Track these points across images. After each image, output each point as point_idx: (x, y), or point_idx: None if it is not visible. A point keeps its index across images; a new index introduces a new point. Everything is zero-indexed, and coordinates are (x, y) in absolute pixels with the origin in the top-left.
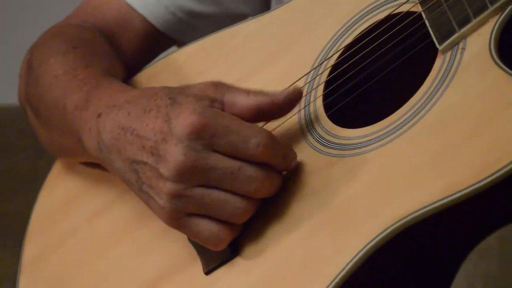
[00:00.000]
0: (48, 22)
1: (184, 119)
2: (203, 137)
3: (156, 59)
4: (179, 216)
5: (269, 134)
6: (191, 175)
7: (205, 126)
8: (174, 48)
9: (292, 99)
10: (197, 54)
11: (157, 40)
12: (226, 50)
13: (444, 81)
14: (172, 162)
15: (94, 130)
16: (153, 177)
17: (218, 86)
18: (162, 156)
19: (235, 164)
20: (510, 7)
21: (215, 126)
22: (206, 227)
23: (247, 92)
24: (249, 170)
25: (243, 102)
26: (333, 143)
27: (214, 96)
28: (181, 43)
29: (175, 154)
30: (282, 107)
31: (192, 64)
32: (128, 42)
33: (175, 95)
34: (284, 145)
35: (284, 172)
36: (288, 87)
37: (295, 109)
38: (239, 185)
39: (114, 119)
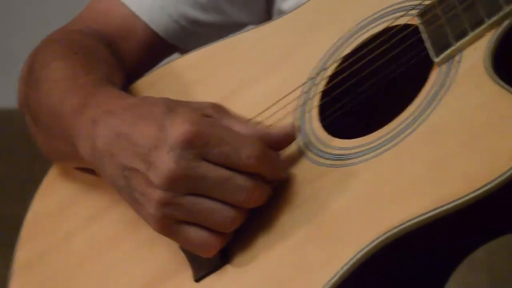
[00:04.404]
0: (48, 26)
1: (178, 128)
2: (195, 146)
3: (157, 66)
4: (169, 223)
5: (261, 146)
6: (181, 183)
7: (197, 135)
8: (176, 55)
9: (288, 139)
10: (197, 63)
11: (159, 48)
12: (225, 59)
13: (439, 93)
14: (163, 170)
15: (89, 135)
16: (143, 184)
17: (219, 108)
18: (153, 163)
19: (226, 173)
20: (506, 22)
21: (208, 135)
22: (196, 234)
23: (246, 122)
24: (239, 180)
25: (240, 129)
26: (327, 153)
27: (211, 115)
28: (183, 51)
29: (166, 162)
30: (277, 145)
31: (192, 72)
32: (130, 48)
33: (172, 105)
34: (275, 156)
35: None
36: (283, 97)
37: (291, 119)
38: (228, 195)
39: (109, 125)
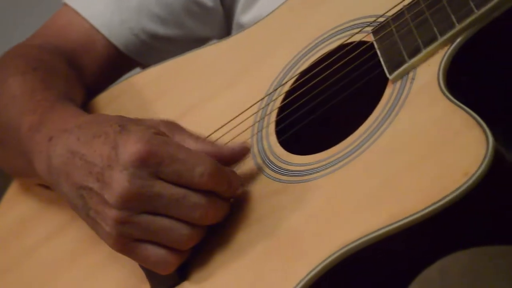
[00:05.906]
0: (14, 40)
1: (131, 147)
2: (148, 165)
3: (119, 80)
4: (125, 242)
5: (215, 163)
6: (135, 202)
7: (151, 154)
8: (137, 69)
9: (239, 154)
10: (156, 78)
11: (120, 62)
12: (185, 75)
13: (393, 110)
14: (117, 189)
15: (45, 153)
16: (98, 203)
17: (171, 124)
18: (107, 182)
19: (180, 191)
20: (459, 39)
21: (161, 154)
22: (153, 252)
23: (197, 137)
24: (194, 198)
25: (192, 146)
26: (283, 169)
27: (164, 132)
28: (144, 65)
29: (119, 181)
30: (227, 160)
31: (151, 88)
32: (91, 63)
33: (125, 123)
34: (229, 173)
35: (231, 199)
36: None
37: (248, 135)
38: (184, 212)
39: (64, 143)
